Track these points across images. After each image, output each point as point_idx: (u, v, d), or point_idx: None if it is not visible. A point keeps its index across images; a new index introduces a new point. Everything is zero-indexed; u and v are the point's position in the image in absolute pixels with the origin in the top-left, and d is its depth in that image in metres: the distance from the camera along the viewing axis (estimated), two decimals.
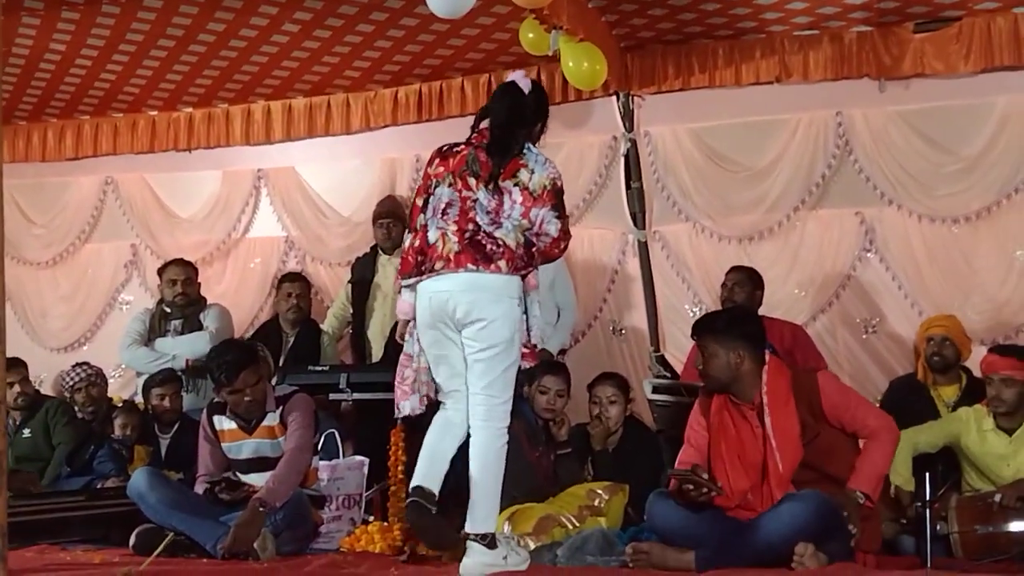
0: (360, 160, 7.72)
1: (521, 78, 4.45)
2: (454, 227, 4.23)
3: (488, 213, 4.23)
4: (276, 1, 6.07)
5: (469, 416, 4.26)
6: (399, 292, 4.43)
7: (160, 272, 7.16)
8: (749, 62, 6.68)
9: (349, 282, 7.07)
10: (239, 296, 7.82)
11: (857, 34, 6.47)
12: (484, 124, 4.40)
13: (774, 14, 6.30)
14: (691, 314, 6.89)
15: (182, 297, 6.96)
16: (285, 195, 7.88)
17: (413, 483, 4.21)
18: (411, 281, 4.31)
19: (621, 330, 7.10)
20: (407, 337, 4.39)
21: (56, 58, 6.91)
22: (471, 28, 6.41)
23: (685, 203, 6.94)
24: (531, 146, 4.37)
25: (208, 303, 7.10)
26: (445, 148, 4.43)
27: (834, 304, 6.61)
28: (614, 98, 7.00)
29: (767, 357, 4.43)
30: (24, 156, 8.11)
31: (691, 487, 4.19)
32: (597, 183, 7.14)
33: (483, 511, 4.17)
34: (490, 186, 4.25)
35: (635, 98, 7.00)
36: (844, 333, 6.57)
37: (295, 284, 7.09)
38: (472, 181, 4.27)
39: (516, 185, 4.25)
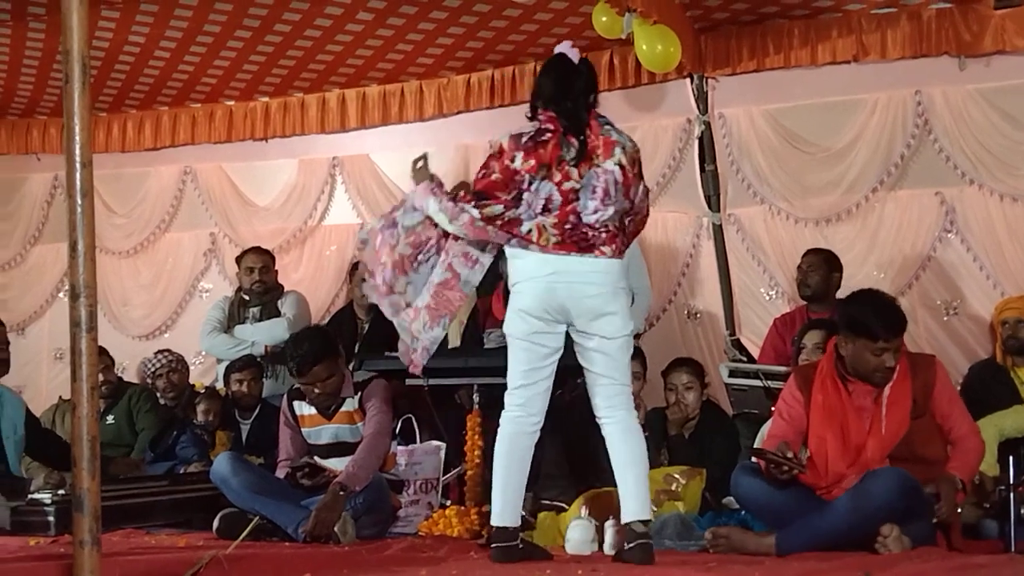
0: (434, 147, 7.74)
1: (568, 48, 4.31)
2: (554, 219, 4.04)
3: (593, 199, 4.03)
4: None
5: (604, 406, 4.16)
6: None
7: (238, 260, 7.27)
8: (825, 41, 6.60)
9: None
10: (315, 283, 7.91)
11: (936, 11, 6.36)
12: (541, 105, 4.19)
13: None
14: (767, 297, 6.86)
15: (259, 285, 7.06)
16: (360, 182, 7.95)
17: (494, 522, 4.07)
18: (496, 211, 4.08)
19: (696, 314, 7.07)
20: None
21: (135, 50, 7.02)
22: (544, 13, 6.41)
23: (760, 185, 6.88)
24: (608, 119, 4.21)
25: (286, 290, 7.19)
26: (526, 140, 4.08)
27: (914, 286, 6.52)
28: (688, 80, 6.96)
29: None
30: (104, 147, 8.24)
31: (774, 466, 4.14)
32: (671, 166, 7.11)
33: (644, 498, 4.09)
34: (591, 169, 4.05)
35: (709, 80, 6.95)
36: (924, 315, 6.47)
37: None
38: (573, 170, 4.05)
39: (617, 164, 4.07)
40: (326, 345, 5.21)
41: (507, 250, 4.17)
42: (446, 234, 4.31)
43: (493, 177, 4.08)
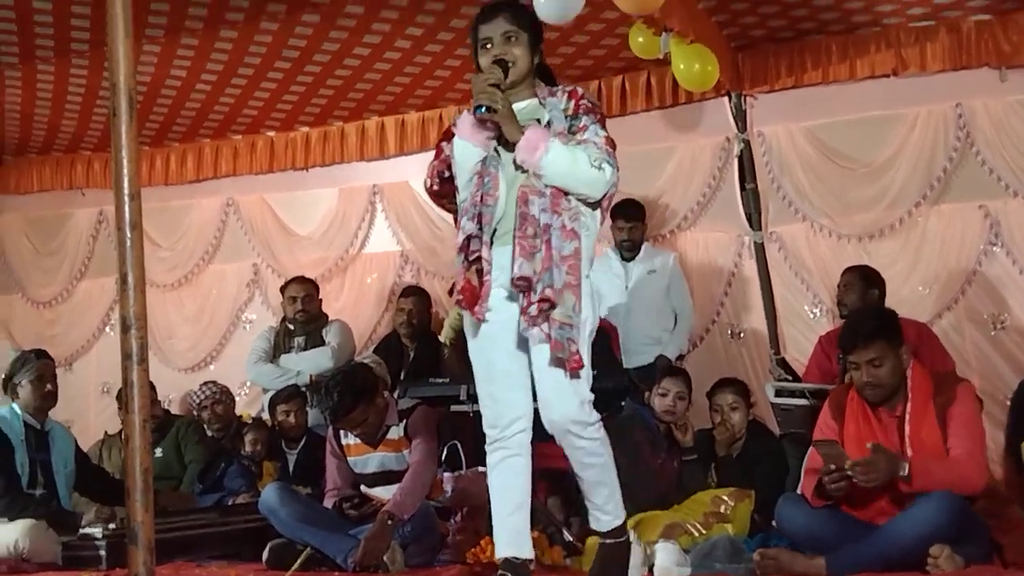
0: None
1: None
2: None
3: None
4: (389, 18, 6.16)
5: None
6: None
7: (282, 290, 7.31)
8: (864, 56, 6.59)
9: None
10: (357, 311, 7.93)
11: (975, 23, 6.34)
12: None
13: (889, 6, 6.21)
14: (811, 315, 6.82)
15: (302, 314, 7.09)
16: (400, 209, 7.98)
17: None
18: None
19: (740, 333, 7.03)
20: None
21: (177, 84, 7.11)
22: (581, 35, 6.42)
23: (802, 202, 6.86)
24: None
25: (330, 319, 7.21)
26: None
27: (960, 301, 6.47)
28: (726, 99, 6.96)
29: (911, 361, 4.26)
30: (148, 181, 8.30)
31: (829, 474, 4.05)
32: (711, 185, 7.10)
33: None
34: None
35: (747, 98, 6.95)
36: (971, 330, 6.41)
37: (408, 299, 7.11)
38: None
39: None
40: (358, 390, 5.08)
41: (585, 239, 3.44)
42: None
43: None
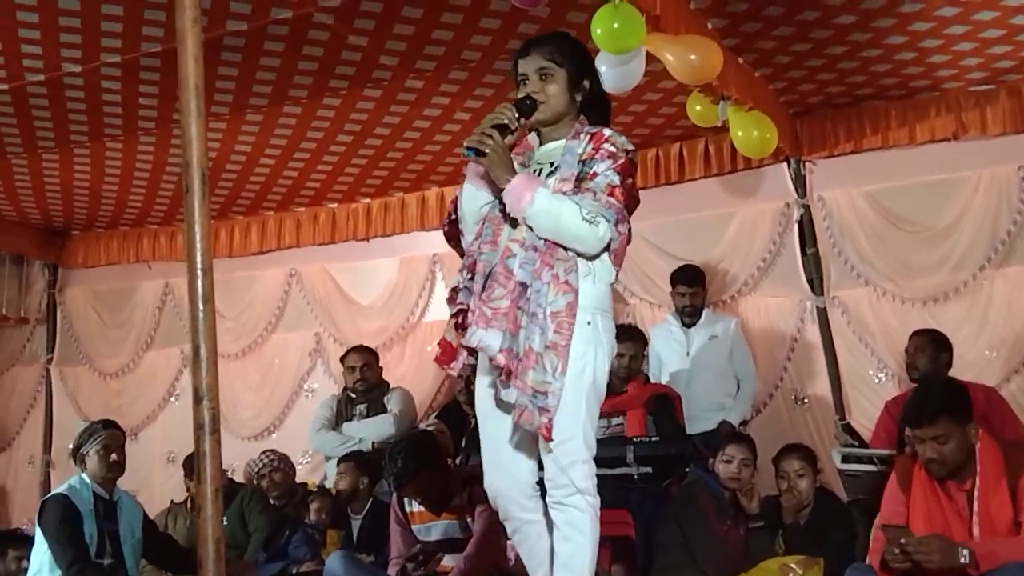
0: None
1: None
2: None
3: None
4: (448, 92, 6.24)
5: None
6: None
7: (342, 359, 7.36)
8: (923, 120, 6.58)
9: None
10: (417, 379, 7.95)
11: None
12: None
13: (948, 71, 6.19)
14: (876, 380, 6.74)
15: (362, 383, 7.12)
16: None
17: None
18: None
19: (804, 399, 6.97)
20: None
21: (242, 159, 7.24)
22: (638, 104, 6.47)
23: (864, 267, 6.81)
24: None
25: (391, 386, 7.25)
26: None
27: None
28: (785, 164, 6.96)
29: (979, 432, 4.11)
30: (213, 253, 8.42)
31: (892, 555, 3.99)
32: (771, 250, 7.08)
33: None
34: None
35: (806, 163, 6.94)
36: None
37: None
38: None
39: None
40: (421, 457, 5.10)
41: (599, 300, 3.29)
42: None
43: (631, 194, 3.31)
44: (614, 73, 5.03)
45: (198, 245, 2.58)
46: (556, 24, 5.32)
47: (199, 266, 2.57)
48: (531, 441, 3.24)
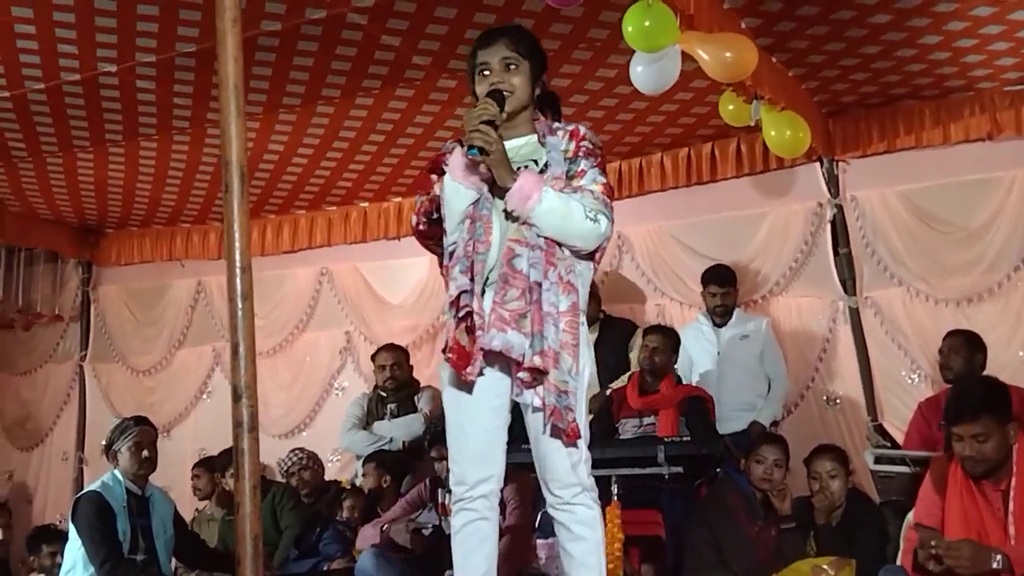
0: None
1: None
2: None
3: None
4: None
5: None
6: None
7: (373, 358, 7.38)
8: (958, 120, 6.54)
9: None
10: None
11: None
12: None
13: (983, 71, 6.16)
14: (909, 381, 6.70)
15: (392, 382, 7.14)
16: None
17: None
18: None
19: (836, 400, 6.94)
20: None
21: (274, 158, 7.27)
22: (670, 104, 6.46)
23: (897, 267, 6.78)
24: None
25: (422, 385, 7.26)
26: None
27: None
28: (818, 164, 6.94)
29: (1019, 434, 4.07)
30: None
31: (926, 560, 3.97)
32: (803, 250, 7.05)
33: None
34: None
35: (839, 163, 6.91)
36: None
37: None
38: None
39: None
40: None
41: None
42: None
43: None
44: (648, 72, 5.04)
45: (237, 243, 2.58)
46: (589, 24, 5.33)
47: (238, 264, 2.58)
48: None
